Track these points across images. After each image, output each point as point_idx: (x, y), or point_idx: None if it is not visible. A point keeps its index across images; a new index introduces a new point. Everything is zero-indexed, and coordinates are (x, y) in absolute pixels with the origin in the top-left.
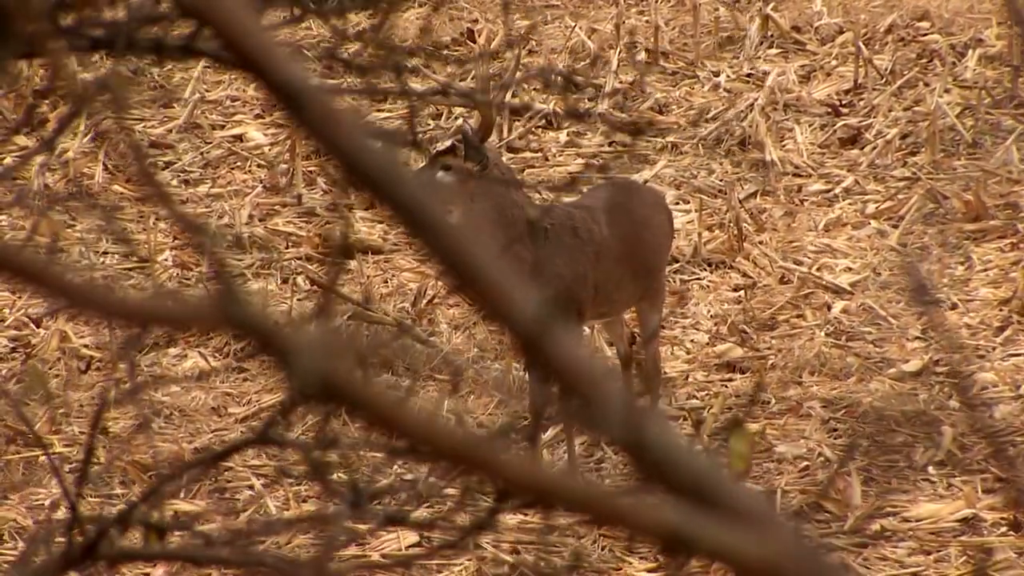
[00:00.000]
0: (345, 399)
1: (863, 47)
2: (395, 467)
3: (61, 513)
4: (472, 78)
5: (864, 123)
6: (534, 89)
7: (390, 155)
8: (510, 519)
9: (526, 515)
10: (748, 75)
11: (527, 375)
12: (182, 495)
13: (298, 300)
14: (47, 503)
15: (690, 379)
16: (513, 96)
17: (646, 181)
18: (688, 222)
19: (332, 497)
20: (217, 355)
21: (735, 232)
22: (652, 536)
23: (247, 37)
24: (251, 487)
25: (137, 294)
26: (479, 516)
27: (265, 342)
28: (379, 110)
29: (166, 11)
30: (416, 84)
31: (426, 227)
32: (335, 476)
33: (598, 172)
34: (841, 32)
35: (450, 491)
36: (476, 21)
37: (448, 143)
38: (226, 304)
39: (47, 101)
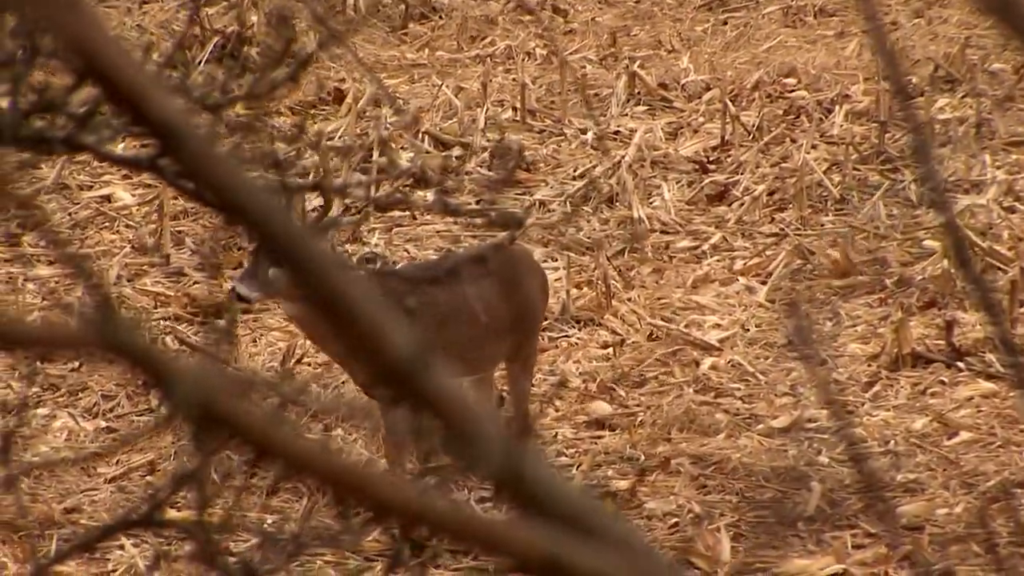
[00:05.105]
0: (224, 423)
1: (730, 104)
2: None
3: None
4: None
5: (731, 180)
6: (402, 148)
7: (266, 191)
8: None
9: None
10: (615, 132)
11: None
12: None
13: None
14: None
15: (559, 436)
16: (381, 155)
17: (514, 240)
18: (556, 279)
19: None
20: (87, 415)
21: (603, 289)
22: (528, 562)
23: (124, 71)
24: (132, 560)
25: (17, 317)
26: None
27: (144, 366)
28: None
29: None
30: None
31: (300, 261)
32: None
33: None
34: (708, 89)
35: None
36: (343, 80)
37: None
38: (105, 328)
39: None
